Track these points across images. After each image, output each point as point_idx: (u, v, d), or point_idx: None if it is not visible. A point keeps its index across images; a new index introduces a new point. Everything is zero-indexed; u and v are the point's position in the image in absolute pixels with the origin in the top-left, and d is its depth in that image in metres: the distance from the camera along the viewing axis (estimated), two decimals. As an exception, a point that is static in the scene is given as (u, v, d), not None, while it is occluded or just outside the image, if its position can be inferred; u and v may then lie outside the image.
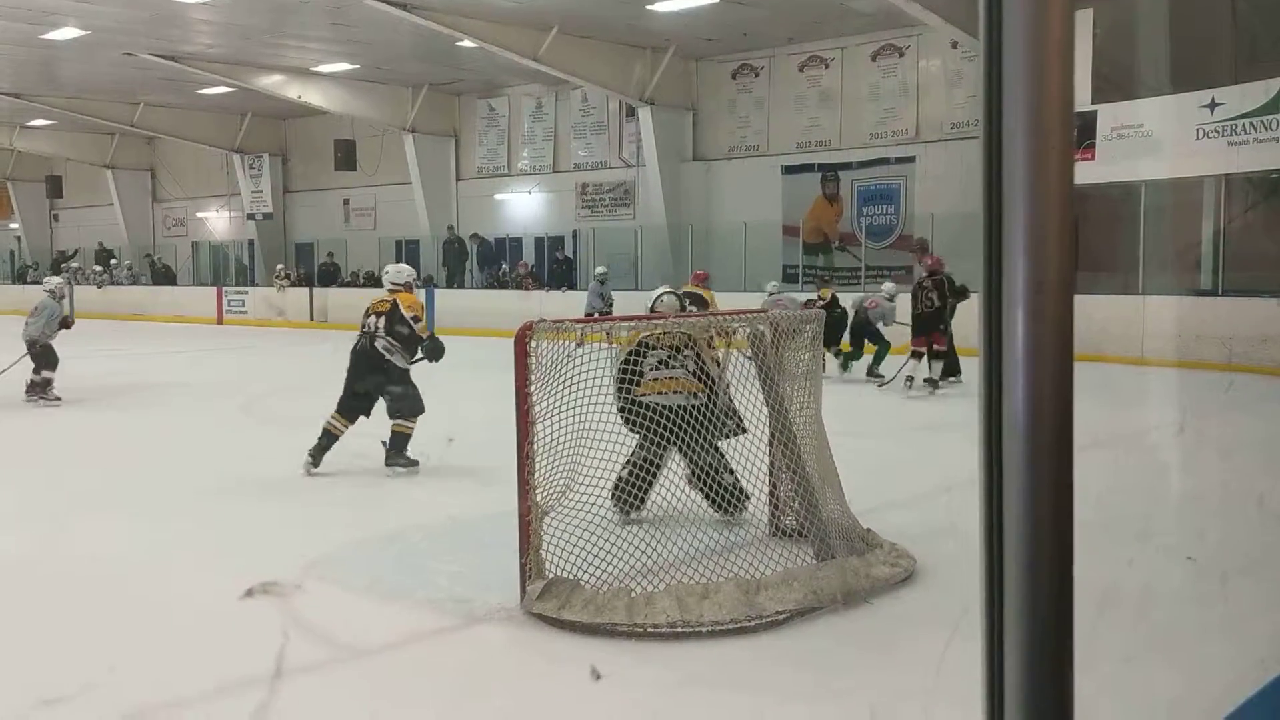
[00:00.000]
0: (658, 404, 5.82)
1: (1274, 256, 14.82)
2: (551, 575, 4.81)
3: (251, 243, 30.11)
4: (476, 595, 4.97)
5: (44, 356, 11.74)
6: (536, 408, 4.92)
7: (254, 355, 19.23)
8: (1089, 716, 0.91)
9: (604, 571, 4.87)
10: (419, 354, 8.06)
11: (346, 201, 28.42)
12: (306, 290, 25.66)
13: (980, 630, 0.83)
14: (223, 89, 24.46)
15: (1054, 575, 0.79)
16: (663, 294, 7.31)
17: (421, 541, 6.14)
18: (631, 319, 6.00)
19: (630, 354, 6.06)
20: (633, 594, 4.68)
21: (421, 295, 10.91)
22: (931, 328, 11.94)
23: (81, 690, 3.99)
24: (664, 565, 4.95)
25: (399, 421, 7.92)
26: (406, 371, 7.99)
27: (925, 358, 12.01)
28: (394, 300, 8.01)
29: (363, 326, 8.03)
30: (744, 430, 5.77)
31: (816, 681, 4.13)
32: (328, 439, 7.85)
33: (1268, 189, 15.18)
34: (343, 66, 23.03)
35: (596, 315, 17.14)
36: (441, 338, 8.28)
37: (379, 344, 7.87)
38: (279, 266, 27.05)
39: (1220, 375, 12.87)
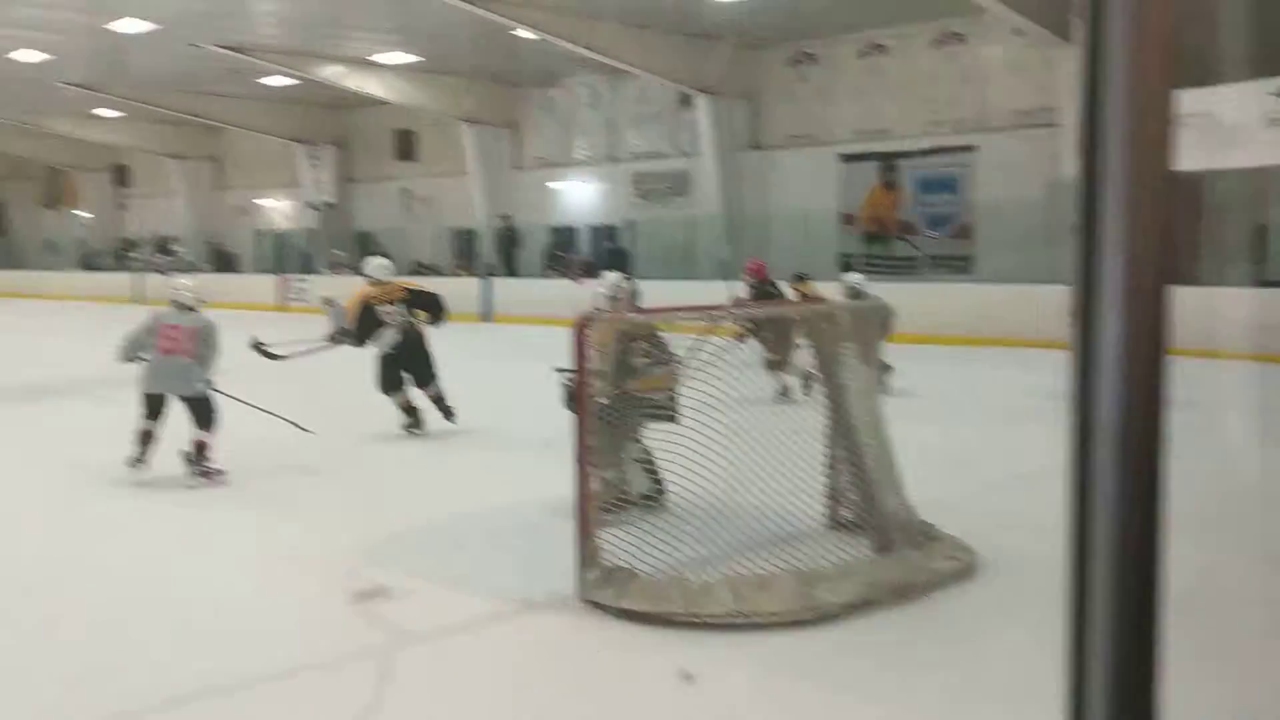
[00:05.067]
0: (651, 401, 5.82)
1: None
2: (608, 564, 4.82)
3: (313, 231, 30.41)
4: (533, 583, 5.00)
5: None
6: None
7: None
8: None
9: (660, 561, 4.87)
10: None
11: (406, 191, 28.59)
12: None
13: (1061, 631, 0.81)
14: (284, 79, 24.74)
15: (1141, 580, 0.76)
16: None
17: (476, 529, 6.18)
18: (697, 309, 5.93)
19: (619, 349, 5.81)
20: (689, 583, 4.68)
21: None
22: None
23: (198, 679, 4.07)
24: (719, 556, 4.93)
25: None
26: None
27: None
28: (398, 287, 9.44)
29: (388, 317, 9.13)
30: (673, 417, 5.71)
31: (886, 678, 4.08)
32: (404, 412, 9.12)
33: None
34: (402, 57, 23.18)
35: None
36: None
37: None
38: (336, 252, 27.28)
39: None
